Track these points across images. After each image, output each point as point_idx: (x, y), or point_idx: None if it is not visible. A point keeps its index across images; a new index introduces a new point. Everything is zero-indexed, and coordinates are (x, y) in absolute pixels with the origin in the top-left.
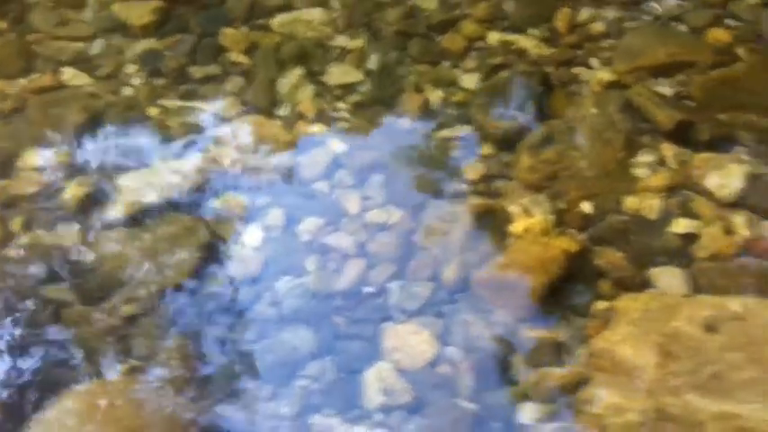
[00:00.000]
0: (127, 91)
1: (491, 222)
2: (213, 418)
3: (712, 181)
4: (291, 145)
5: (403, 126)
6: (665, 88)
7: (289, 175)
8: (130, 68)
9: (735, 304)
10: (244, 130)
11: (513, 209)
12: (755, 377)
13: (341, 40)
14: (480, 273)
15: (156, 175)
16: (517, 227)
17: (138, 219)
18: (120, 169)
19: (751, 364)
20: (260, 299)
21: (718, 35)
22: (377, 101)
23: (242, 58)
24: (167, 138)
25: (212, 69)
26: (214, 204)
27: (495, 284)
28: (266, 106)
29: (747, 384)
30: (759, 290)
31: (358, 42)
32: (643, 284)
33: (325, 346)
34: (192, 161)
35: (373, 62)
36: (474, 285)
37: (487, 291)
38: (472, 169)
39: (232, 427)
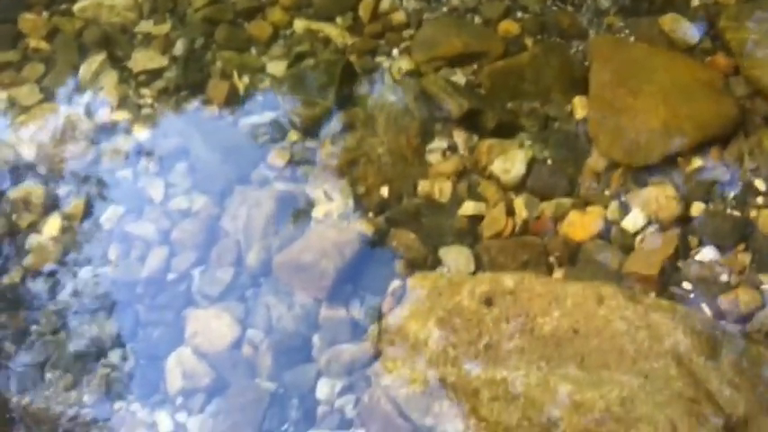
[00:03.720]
0: None
1: (294, 207)
2: (15, 408)
3: (498, 166)
4: (94, 132)
5: (209, 113)
6: (459, 77)
7: (91, 163)
8: None
9: (509, 280)
10: (44, 118)
11: (315, 194)
12: (523, 346)
13: (146, 26)
14: (280, 256)
15: None
16: (318, 211)
17: None
18: None
19: (520, 334)
20: (60, 289)
21: (509, 27)
22: (182, 87)
23: (42, 44)
24: None
25: (11, 56)
26: (12, 194)
27: (294, 267)
28: (67, 93)
29: (516, 352)
30: (535, 264)
31: (163, 28)
32: (434, 264)
33: (126, 333)
34: None
35: (179, 48)
36: (275, 269)
37: (287, 274)
38: (277, 155)
39: (33, 417)
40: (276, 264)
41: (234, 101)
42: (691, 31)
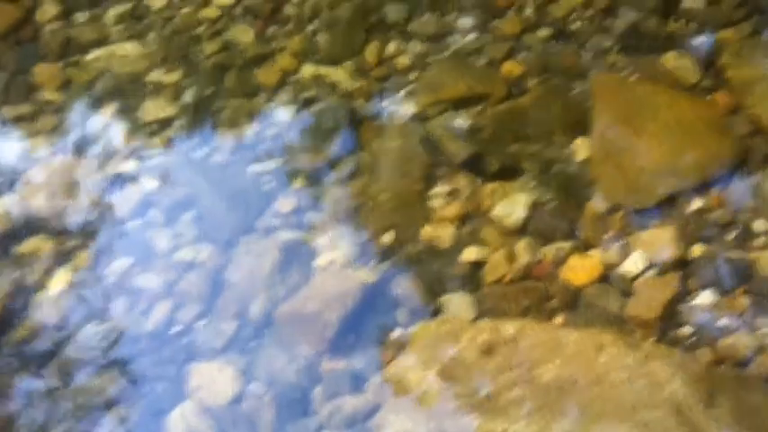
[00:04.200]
0: None
1: (299, 256)
2: None
3: (499, 210)
4: (103, 183)
5: (217, 161)
6: (463, 120)
7: (100, 215)
8: None
9: (509, 327)
10: (55, 171)
11: (320, 241)
12: (524, 395)
13: (156, 75)
14: (283, 307)
15: None
16: (322, 259)
17: None
18: None
19: (521, 384)
20: (67, 344)
21: (512, 67)
22: (191, 136)
23: (55, 96)
24: None
25: (25, 109)
26: (21, 249)
27: (297, 319)
28: (79, 144)
29: (516, 403)
30: (536, 310)
31: (174, 76)
32: (436, 311)
33: (132, 388)
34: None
35: (189, 96)
36: (277, 320)
37: (290, 325)
38: (283, 202)
39: None
40: (279, 315)
41: (241, 148)
42: (692, 69)
